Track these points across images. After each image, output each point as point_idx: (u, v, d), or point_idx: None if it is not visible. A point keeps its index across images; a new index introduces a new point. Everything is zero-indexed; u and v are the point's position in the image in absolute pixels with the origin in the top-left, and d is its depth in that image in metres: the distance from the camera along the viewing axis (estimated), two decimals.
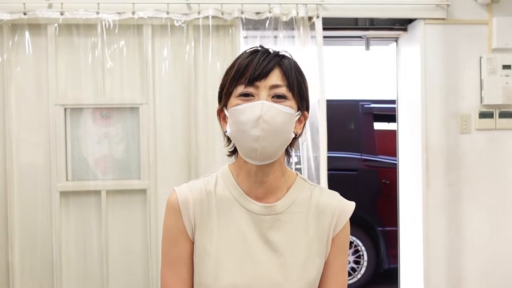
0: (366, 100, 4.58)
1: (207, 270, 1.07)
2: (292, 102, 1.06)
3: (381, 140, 4.46)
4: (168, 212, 1.12)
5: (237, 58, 1.09)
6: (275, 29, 2.74)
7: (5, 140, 2.62)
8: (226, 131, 1.09)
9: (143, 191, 2.70)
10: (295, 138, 1.11)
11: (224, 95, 1.09)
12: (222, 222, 1.09)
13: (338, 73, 5.16)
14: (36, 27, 2.64)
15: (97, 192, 2.67)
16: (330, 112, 2.76)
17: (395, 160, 3.31)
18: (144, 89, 2.70)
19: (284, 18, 2.72)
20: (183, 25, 2.69)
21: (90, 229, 2.68)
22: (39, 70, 2.65)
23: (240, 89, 1.05)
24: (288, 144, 1.09)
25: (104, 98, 2.68)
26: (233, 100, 1.06)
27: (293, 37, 2.75)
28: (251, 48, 1.10)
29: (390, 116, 4.19)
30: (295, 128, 1.08)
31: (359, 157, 4.39)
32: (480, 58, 2.89)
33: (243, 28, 2.72)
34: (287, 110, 1.04)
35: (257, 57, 1.06)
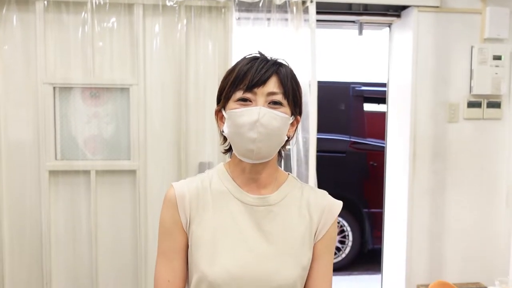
0: (357, 83, 4.58)
1: (202, 256, 1.11)
2: (286, 108, 1.13)
3: (370, 123, 4.48)
4: (165, 205, 1.16)
5: (237, 64, 1.15)
6: (268, 11, 2.71)
7: None
8: (223, 131, 1.15)
9: (132, 172, 2.70)
10: (287, 140, 1.17)
11: (223, 98, 1.14)
12: (217, 213, 1.14)
13: (330, 55, 5.12)
14: (24, 2, 2.58)
15: (86, 172, 2.67)
16: (320, 94, 2.76)
17: (384, 143, 3.35)
18: (134, 70, 2.67)
19: (278, 1, 2.68)
20: (175, 5, 2.64)
21: (79, 209, 2.69)
22: (27, 48, 2.60)
23: (239, 94, 1.11)
24: (281, 145, 1.16)
25: (94, 77, 2.65)
26: (231, 104, 1.12)
27: (286, 19, 2.72)
28: (250, 55, 1.16)
29: (380, 99, 4.20)
30: (288, 131, 1.15)
31: (348, 139, 4.42)
32: (472, 47, 2.89)
33: (236, 10, 2.68)
34: (282, 114, 1.11)
35: (256, 64, 1.11)
